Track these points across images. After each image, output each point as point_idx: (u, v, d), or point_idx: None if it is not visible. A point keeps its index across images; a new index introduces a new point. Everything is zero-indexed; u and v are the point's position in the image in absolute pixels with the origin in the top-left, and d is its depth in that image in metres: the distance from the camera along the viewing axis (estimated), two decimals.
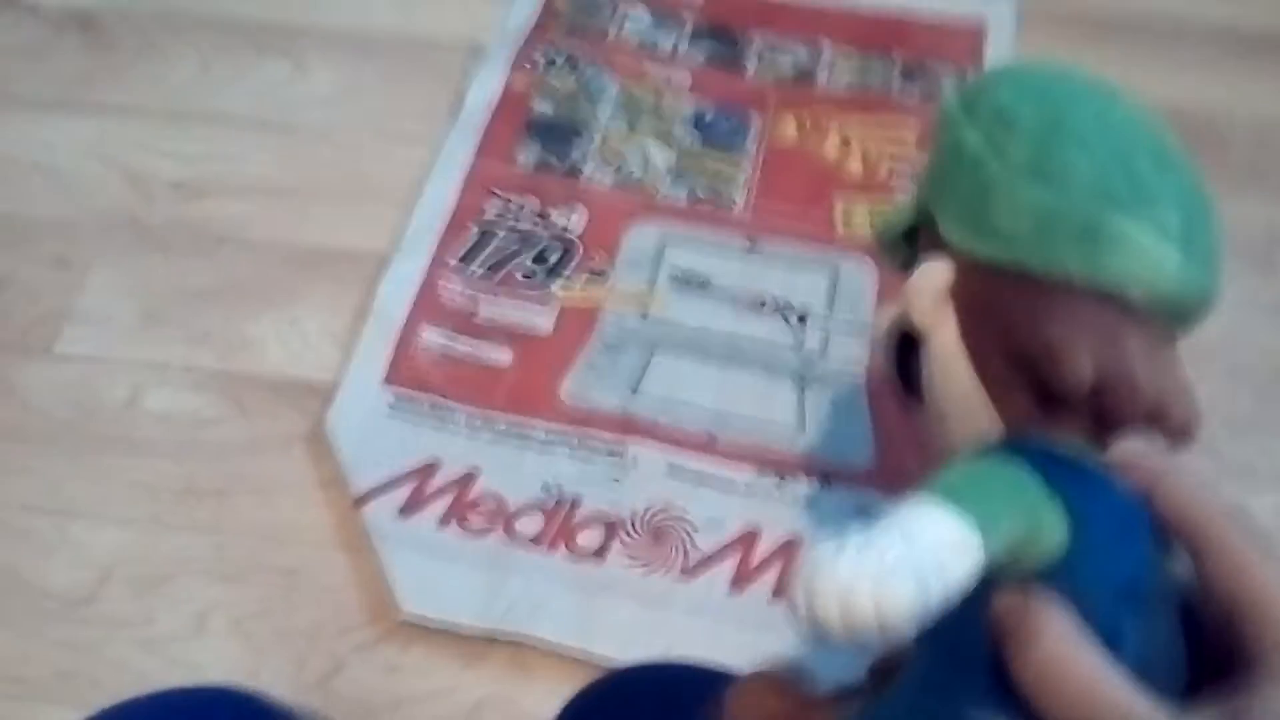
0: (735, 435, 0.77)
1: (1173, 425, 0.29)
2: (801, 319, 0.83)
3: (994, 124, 0.30)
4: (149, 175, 0.91)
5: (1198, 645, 0.28)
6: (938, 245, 0.31)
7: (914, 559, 0.25)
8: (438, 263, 0.84)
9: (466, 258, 0.84)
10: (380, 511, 0.72)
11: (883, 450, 0.76)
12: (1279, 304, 0.87)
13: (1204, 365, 0.81)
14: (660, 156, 0.91)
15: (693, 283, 0.84)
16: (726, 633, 0.68)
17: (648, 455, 0.75)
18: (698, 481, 0.74)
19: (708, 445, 0.76)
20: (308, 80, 0.97)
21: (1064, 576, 0.27)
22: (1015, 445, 0.28)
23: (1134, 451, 0.30)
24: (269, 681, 0.51)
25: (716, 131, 0.93)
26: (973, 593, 0.26)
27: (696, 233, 0.87)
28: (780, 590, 0.70)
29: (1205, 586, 0.28)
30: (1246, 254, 0.89)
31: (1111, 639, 0.26)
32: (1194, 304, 0.30)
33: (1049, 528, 0.26)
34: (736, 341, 0.81)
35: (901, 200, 0.86)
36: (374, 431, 0.76)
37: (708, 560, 0.71)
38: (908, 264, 0.34)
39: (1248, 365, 0.83)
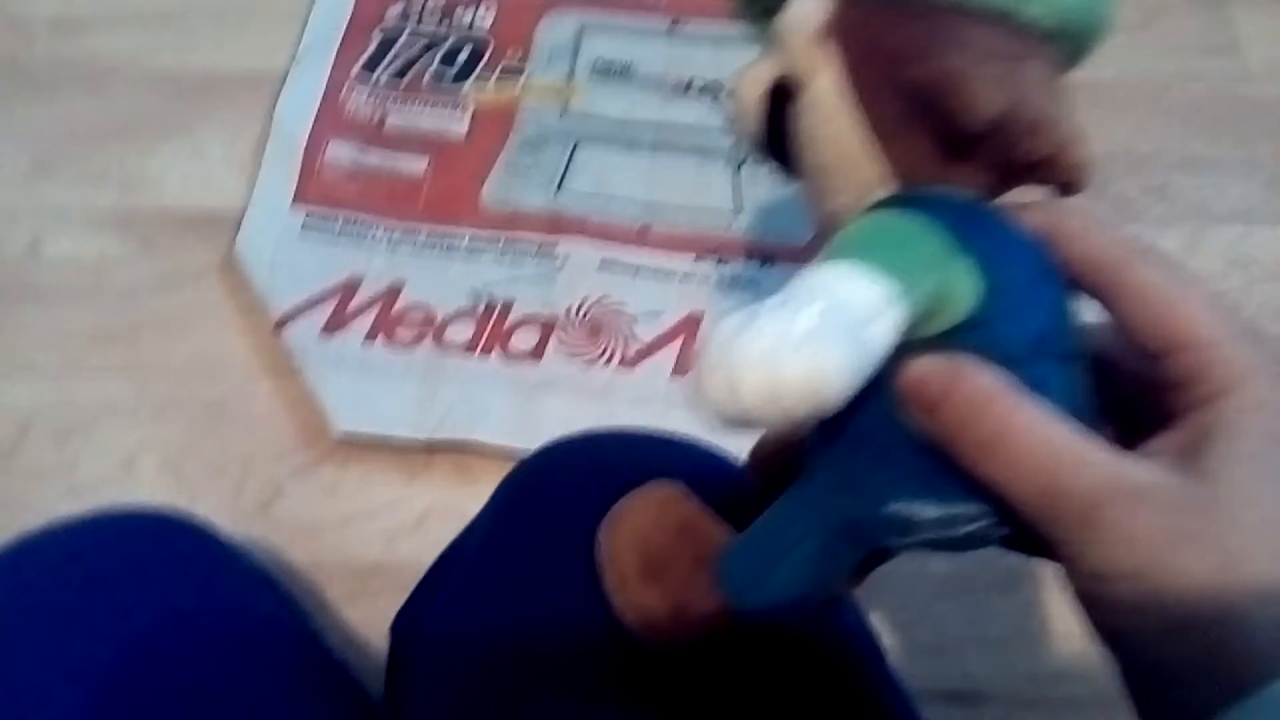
0: (669, 223, 0.73)
1: (1069, 169, 0.26)
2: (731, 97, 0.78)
3: None
4: (25, 15, 0.84)
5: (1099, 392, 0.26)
6: None
7: (839, 319, 0.22)
8: (338, 74, 0.78)
9: (369, 66, 0.78)
10: (302, 333, 0.68)
11: None
12: (1229, 44, 0.83)
13: (1152, 105, 0.79)
14: None
15: (614, 71, 0.79)
16: (673, 418, 0.65)
17: (579, 252, 0.72)
18: (633, 273, 0.71)
19: (641, 236, 0.73)
20: None
21: (977, 335, 0.24)
22: (911, 198, 0.26)
23: (1027, 197, 0.27)
24: (206, 514, 0.48)
25: None
26: (874, 372, 0.23)
27: (615, 19, 0.81)
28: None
29: (1128, 329, 0.26)
30: None
31: (1035, 394, 0.24)
32: (1093, 31, 0.26)
33: (962, 283, 0.24)
34: (664, 128, 0.77)
35: None
36: (288, 254, 0.71)
37: (649, 349, 0.68)
38: (769, 8, 0.30)
39: (1196, 104, 0.80)
